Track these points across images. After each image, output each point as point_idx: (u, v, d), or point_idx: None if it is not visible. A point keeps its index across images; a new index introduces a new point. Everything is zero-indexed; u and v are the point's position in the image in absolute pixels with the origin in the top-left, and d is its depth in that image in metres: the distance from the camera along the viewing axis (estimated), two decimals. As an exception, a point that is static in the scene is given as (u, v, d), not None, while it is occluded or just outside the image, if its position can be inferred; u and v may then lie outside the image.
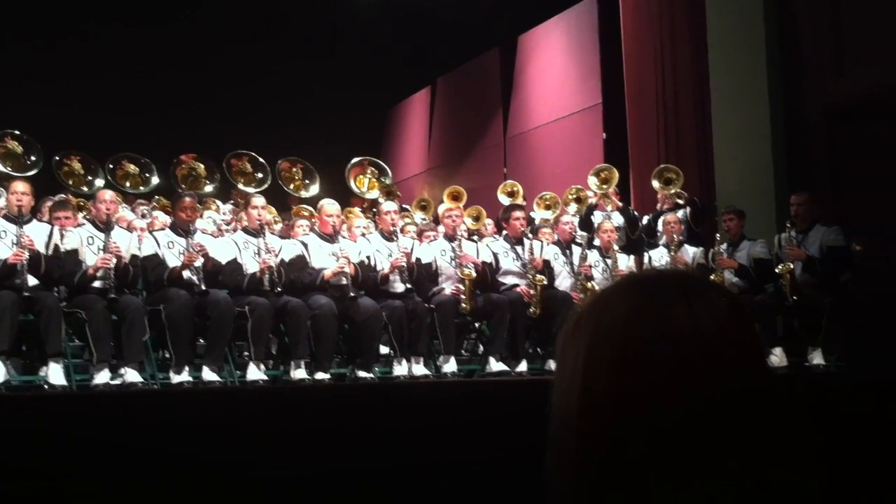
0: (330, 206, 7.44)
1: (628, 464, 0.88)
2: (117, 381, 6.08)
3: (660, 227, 8.59)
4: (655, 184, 8.97)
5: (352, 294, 6.90)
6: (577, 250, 8.05)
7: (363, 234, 7.96)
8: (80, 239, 6.51)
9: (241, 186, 10.14)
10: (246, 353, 6.76)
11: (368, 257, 7.30)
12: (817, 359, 6.99)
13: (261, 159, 10.49)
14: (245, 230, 7.20)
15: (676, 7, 10.28)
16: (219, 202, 9.98)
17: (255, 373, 6.48)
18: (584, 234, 8.49)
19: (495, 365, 7.16)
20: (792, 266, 7.26)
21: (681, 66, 10.16)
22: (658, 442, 0.87)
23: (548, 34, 12.26)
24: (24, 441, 4.25)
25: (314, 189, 10.73)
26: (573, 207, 9.48)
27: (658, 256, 8.25)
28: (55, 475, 4.10)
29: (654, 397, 0.89)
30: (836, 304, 7.07)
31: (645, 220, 8.98)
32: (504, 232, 8.21)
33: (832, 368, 6.87)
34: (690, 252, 8.22)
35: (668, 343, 0.90)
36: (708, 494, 0.86)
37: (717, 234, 7.99)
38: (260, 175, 10.41)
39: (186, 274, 6.57)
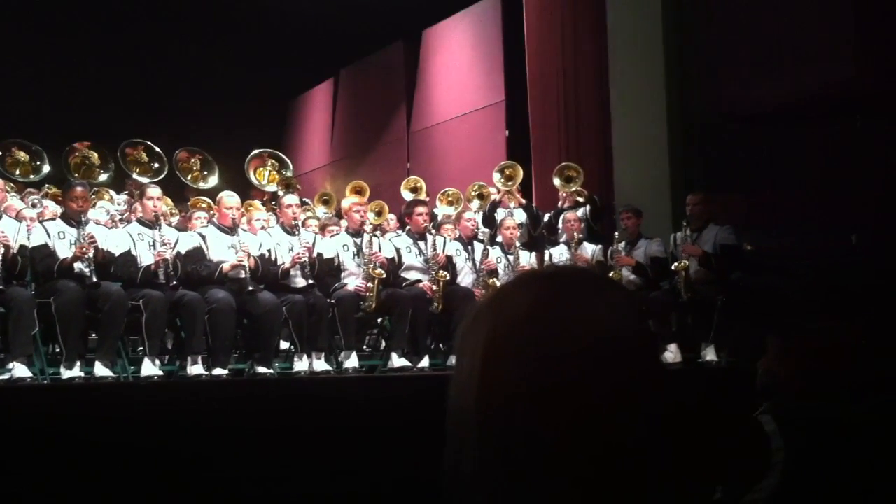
0: (229, 198, 7.30)
1: (525, 458, 0.88)
2: (5, 376, 5.86)
3: (560, 224, 8.71)
4: (556, 181, 9.10)
5: (250, 288, 6.78)
6: (479, 247, 8.10)
7: (263, 227, 7.84)
8: (-35, 228, 6.24)
9: (136, 176, 9.88)
10: (140, 348, 6.58)
11: (269, 251, 7.19)
12: (710, 355, 7.19)
13: (157, 149, 10.24)
14: (140, 221, 7.00)
15: (579, 7, 10.45)
16: (112, 192, 9.70)
17: (149, 368, 6.31)
18: (487, 230, 8.55)
19: (397, 360, 7.15)
20: (687, 263, 7.46)
21: (582, 66, 10.33)
22: (556, 436, 0.88)
23: (452, 29, 12.30)
24: None
25: (213, 180, 10.54)
26: (476, 204, 9.54)
27: (558, 254, 8.37)
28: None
29: (553, 392, 0.89)
30: (728, 302, 7.30)
31: (546, 217, 9.10)
32: (407, 227, 8.20)
33: (723, 364, 7.09)
34: (590, 249, 8.37)
35: (568, 339, 0.90)
36: (598, 485, 0.86)
37: (616, 232, 8.15)
38: (156, 165, 10.17)
39: (77, 266, 6.35)
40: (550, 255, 8.45)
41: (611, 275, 7.55)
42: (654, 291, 7.59)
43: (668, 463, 0.89)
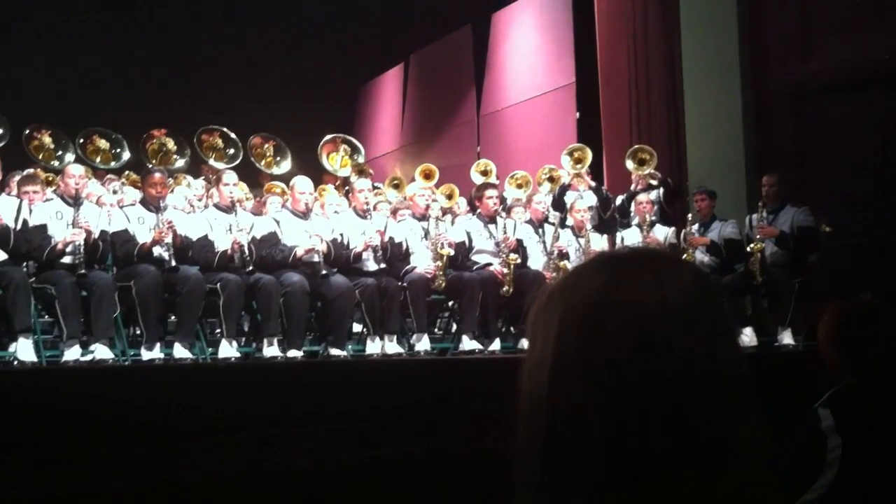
0: (303, 183, 7.40)
1: (592, 438, 0.88)
2: (88, 358, 6.03)
3: (633, 207, 8.62)
4: (629, 164, 9.00)
5: (324, 272, 6.88)
6: (549, 230, 8.07)
7: (336, 212, 7.93)
8: (49, 214, 6.44)
9: (212, 162, 10.06)
10: (218, 330, 6.73)
11: (341, 235, 7.28)
12: (787, 338, 7.07)
13: (232, 135, 10.40)
14: (216, 206, 7.15)
15: (650, -13, 10.30)
16: (190, 178, 9.90)
17: (227, 349, 6.45)
18: (557, 213, 8.51)
19: (468, 343, 7.17)
20: (763, 245, 7.33)
21: (653, 46, 10.18)
22: (619, 415, 0.88)
23: (521, 12, 12.22)
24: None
25: (286, 166, 10.68)
26: (546, 187, 9.49)
27: (631, 236, 8.29)
28: (24, 450, 4.08)
29: (616, 370, 0.89)
30: (804, 285, 7.17)
31: (618, 200, 9.02)
32: (477, 210, 8.22)
33: (801, 348, 6.96)
34: (662, 232, 8.27)
35: (633, 315, 0.90)
36: (669, 468, 0.86)
37: (689, 215, 8.03)
38: (231, 151, 10.34)
39: (157, 250, 6.52)
40: (622, 238, 8.38)
41: (684, 257, 7.47)
42: (729, 274, 7.48)
43: (735, 450, 0.89)
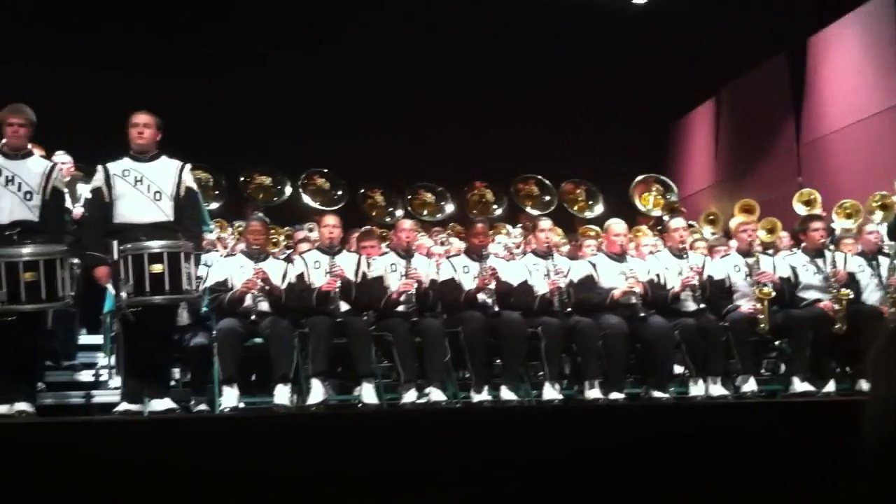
0: (617, 225, 7.46)
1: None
2: (423, 400, 6.43)
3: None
4: (975, 185, 8.19)
5: (642, 313, 6.87)
6: (884, 261, 7.49)
7: (651, 252, 7.89)
8: (385, 266, 6.98)
9: (528, 209, 10.40)
10: (541, 373, 6.91)
11: (658, 275, 7.23)
12: None
13: (547, 182, 10.71)
14: (534, 252, 7.38)
15: None
16: (509, 226, 10.30)
17: (550, 392, 6.61)
18: (894, 244, 7.88)
19: (799, 385, 6.82)
20: None
21: None
22: None
23: (841, 33, 11.56)
24: (343, 454, 4.63)
25: (598, 209, 10.81)
26: (878, 215, 8.85)
27: (983, 265, 7.49)
28: (370, 484, 4.43)
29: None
30: None
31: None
32: (802, 244, 7.82)
33: None
34: None
35: None
36: None
37: None
38: (546, 198, 10.65)
39: (481, 296, 6.84)
40: (973, 268, 7.59)
41: None
42: None
43: None
